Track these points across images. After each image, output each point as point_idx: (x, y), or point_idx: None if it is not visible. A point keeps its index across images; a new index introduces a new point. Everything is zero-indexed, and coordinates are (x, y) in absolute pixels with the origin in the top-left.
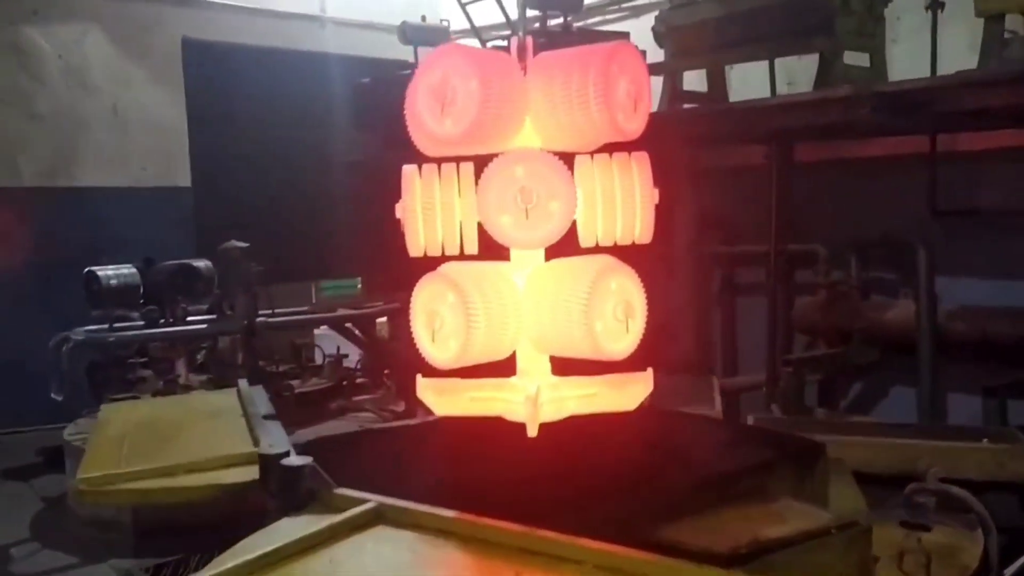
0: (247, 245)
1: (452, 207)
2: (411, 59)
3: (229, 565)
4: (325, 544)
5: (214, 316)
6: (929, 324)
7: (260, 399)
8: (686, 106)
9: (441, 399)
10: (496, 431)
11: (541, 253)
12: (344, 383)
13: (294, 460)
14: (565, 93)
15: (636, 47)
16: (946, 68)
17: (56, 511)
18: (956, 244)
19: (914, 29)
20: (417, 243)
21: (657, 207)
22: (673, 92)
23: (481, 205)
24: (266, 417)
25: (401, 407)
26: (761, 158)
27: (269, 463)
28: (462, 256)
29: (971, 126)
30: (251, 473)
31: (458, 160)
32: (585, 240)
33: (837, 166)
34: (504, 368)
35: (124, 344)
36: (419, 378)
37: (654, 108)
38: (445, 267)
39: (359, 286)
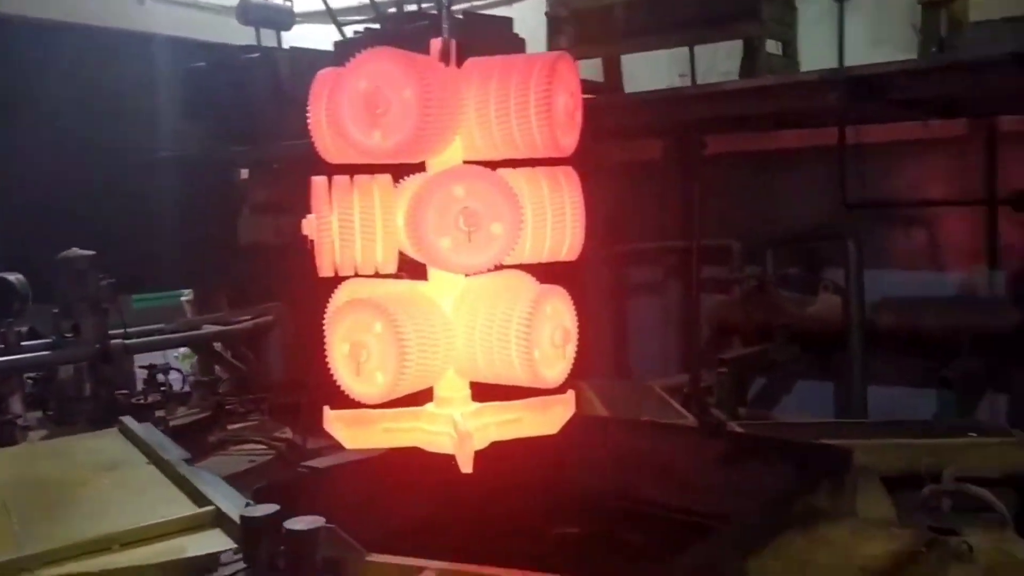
0: (93, 253)
1: (373, 224)
2: (251, 42)
3: None
4: None
5: (49, 340)
6: (859, 318)
7: (162, 440)
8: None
9: (352, 432)
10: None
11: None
12: (219, 412)
13: (300, 523)
14: (502, 105)
15: (573, 59)
16: (848, 61)
17: None
18: (867, 236)
19: (812, 20)
20: (331, 263)
21: None
22: None
23: (415, 226)
24: (179, 456)
25: (288, 434)
26: (655, 153)
27: (259, 528)
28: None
29: (906, 116)
30: (215, 541)
31: (372, 171)
32: (510, 258)
33: (740, 159)
34: (415, 395)
35: None
36: (326, 410)
37: None
38: (361, 288)
39: (185, 298)
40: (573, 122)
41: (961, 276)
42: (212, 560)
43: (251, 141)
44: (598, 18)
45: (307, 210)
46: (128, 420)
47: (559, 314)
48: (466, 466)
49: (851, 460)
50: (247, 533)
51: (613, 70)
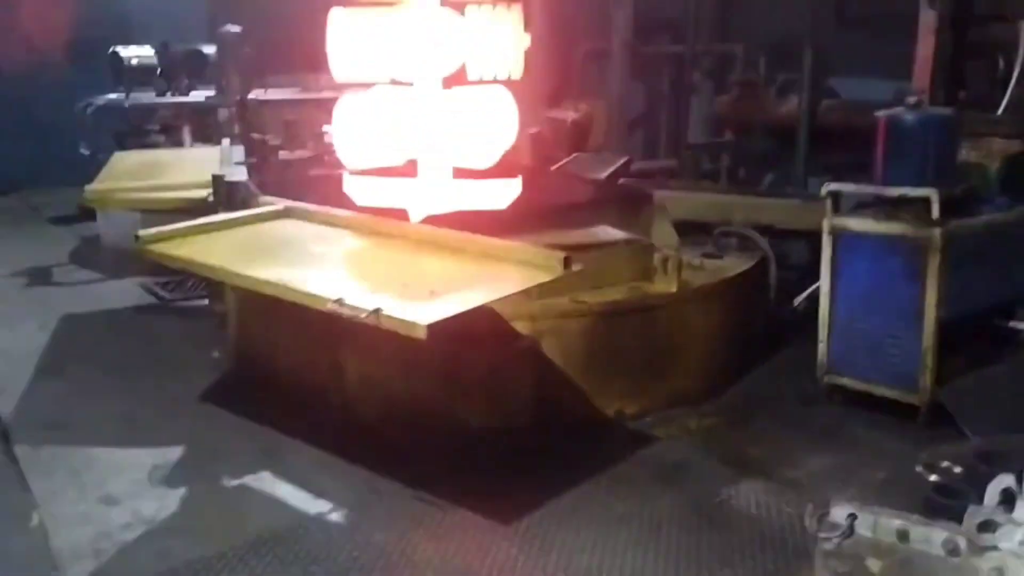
0: (240, 29)
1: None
2: None
3: (174, 227)
4: (245, 223)
5: (212, 91)
6: (807, 115)
7: (236, 154)
8: None
9: (362, 192)
10: None
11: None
12: (325, 155)
13: (234, 176)
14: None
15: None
16: None
17: (90, 246)
18: (857, 47)
19: None
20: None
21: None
22: None
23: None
24: (237, 163)
25: None
26: None
27: (217, 181)
28: None
29: None
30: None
31: None
32: (471, 75)
33: None
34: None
35: (140, 112)
36: (345, 174)
37: None
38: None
39: None
40: None
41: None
42: (203, 200)
43: None
44: None
45: None
46: (225, 141)
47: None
48: (416, 216)
49: (648, 199)
50: (214, 185)
51: None
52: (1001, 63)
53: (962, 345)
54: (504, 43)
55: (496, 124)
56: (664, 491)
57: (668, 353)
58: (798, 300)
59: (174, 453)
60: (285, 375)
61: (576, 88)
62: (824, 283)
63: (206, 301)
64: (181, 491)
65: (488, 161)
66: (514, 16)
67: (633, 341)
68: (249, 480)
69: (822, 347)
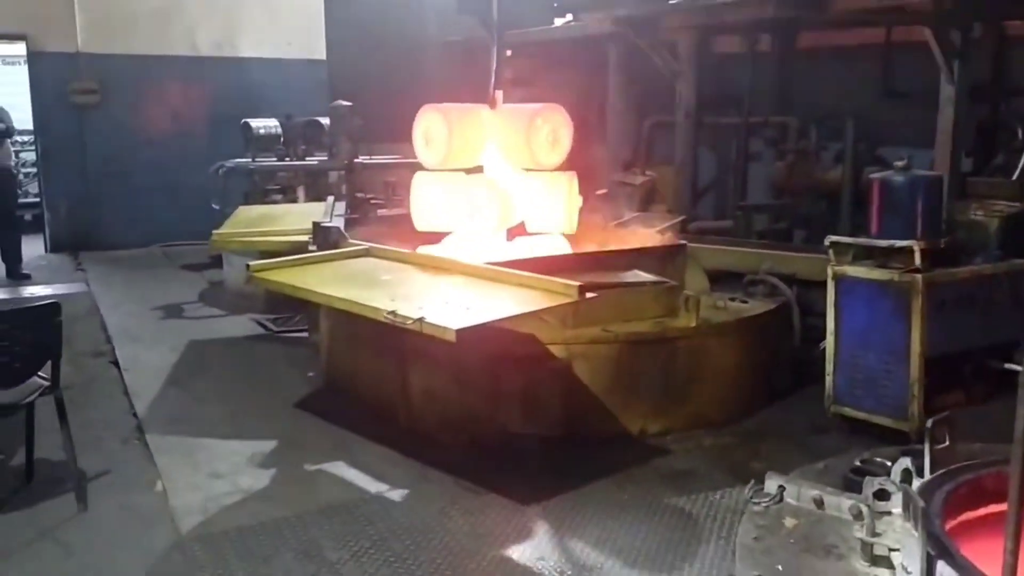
0: (351, 104)
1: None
2: None
3: (277, 260)
4: (334, 259)
5: (326, 156)
6: (851, 179)
7: (338, 208)
8: None
9: None
10: None
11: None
12: None
13: (328, 223)
14: (514, 136)
15: (560, 107)
16: None
17: (216, 288)
18: (903, 119)
19: None
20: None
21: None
22: None
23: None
24: (336, 215)
25: None
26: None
27: (316, 226)
28: None
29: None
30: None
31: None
32: (529, 229)
33: (822, 52)
34: None
35: (264, 174)
36: None
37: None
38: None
39: None
40: (557, 146)
41: None
42: (304, 243)
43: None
44: None
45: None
46: (329, 198)
47: None
48: None
49: (683, 250)
50: (313, 229)
51: None
52: (1020, 134)
53: (959, 383)
54: (558, 203)
55: None
56: (666, 489)
57: (689, 381)
58: (823, 344)
59: (268, 445)
60: (363, 390)
61: (646, 156)
62: (830, 323)
63: (306, 333)
64: (271, 471)
65: None
66: (568, 181)
67: (656, 368)
68: (325, 466)
69: (829, 380)
